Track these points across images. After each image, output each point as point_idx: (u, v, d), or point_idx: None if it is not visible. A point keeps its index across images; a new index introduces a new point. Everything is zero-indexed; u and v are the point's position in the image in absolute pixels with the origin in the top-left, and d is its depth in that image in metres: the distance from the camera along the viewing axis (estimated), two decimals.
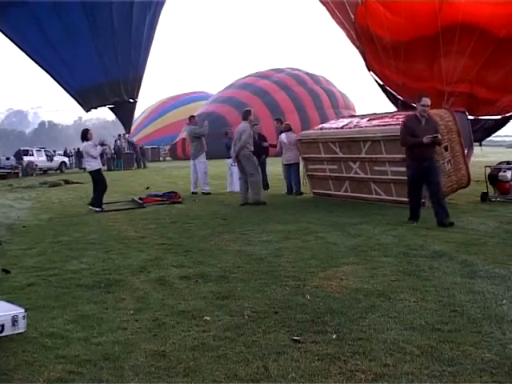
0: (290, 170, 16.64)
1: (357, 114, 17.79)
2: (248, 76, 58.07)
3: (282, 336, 4.74)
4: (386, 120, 13.27)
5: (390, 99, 20.73)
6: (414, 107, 17.75)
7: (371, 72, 20.61)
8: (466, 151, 13.62)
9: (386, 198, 12.88)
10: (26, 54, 42.07)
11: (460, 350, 4.29)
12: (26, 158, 41.54)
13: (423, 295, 5.69)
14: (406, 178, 12.08)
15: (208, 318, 5.25)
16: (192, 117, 19.19)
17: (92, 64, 42.71)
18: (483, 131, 19.01)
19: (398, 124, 12.27)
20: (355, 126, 13.77)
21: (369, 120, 13.89)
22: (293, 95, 50.48)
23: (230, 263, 7.53)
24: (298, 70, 58.35)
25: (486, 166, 13.68)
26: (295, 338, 4.66)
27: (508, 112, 18.47)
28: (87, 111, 46.84)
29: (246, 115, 15.16)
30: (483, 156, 25.35)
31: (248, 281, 6.59)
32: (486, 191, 13.19)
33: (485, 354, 4.18)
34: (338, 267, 7.05)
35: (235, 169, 18.17)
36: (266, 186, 18.21)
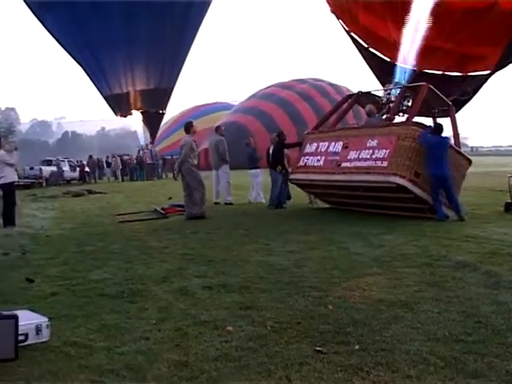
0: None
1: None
2: (271, 86, 58.28)
3: (304, 347, 4.72)
4: (363, 155, 12.66)
5: (357, 47, 20.87)
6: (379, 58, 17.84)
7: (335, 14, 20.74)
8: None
9: (403, 213, 12.67)
10: (70, 54, 43.08)
11: (484, 361, 4.25)
12: (50, 168, 41.85)
13: (447, 306, 5.65)
14: (417, 205, 12.03)
15: (230, 329, 5.24)
16: (218, 127, 19.26)
17: (125, 72, 43.40)
18: (471, 89, 18.87)
19: (379, 170, 12.09)
20: (337, 164, 13.26)
21: (344, 147, 13.32)
22: (315, 106, 50.46)
23: (253, 273, 7.53)
24: (321, 80, 58.40)
25: (509, 176, 13.58)
26: (318, 348, 4.64)
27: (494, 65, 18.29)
28: (121, 116, 47.47)
29: (187, 128, 14.95)
30: (507, 165, 25.18)
31: (270, 291, 6.57)
32: (509, 201, 13.07)
33: (509, 366, 4.13)
34: (360, 278, 7.03)
35: (256, 180, 18.23)
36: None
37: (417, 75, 17.27)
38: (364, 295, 6.18)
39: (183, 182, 14.51)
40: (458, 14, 16.13)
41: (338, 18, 20.83)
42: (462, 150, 13.62)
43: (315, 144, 14.49)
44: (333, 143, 13.80)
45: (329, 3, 20.75)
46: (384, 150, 12.12)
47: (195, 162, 14.58)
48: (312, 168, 14.17)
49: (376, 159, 12.22)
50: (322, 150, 14.06)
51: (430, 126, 12.67)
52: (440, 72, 18.85)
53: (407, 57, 17.09)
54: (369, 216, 12.75)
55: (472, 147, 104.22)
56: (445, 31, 16.81)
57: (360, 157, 12.67)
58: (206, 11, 45.57)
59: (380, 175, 11.98)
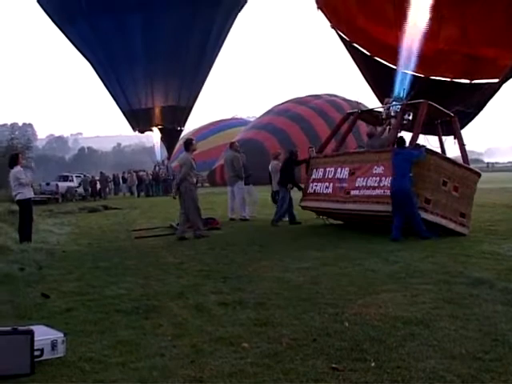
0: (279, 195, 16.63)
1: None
2: (286, 102, 58.30)
3: (320, 363, 4.70)
4: (371, 182, 12.71)
5: (355, 60, 20.66)
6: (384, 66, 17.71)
7: (334, 28, 20.56)
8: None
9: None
10: (93, 67, 43.58)
11: (501, 379, 4.21)
12: (66, 184, 42.12)
13: (463, 323, 5.61)
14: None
15: (246, 345, 5.23)
16: (233, 143, 19.31)
17: (145, 88, 43.71)
18: (479, 100, 18.52)
19: (389, 200, 11.97)
20: (345, 192, 13.33)
21: (351, 173, 13.36)
22: (330, 121, 50.31)
23: (268, 290, 7.52)
24: (336, 96, 58.38)
25: None
26: (334, 365, 4.62)
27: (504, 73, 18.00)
28: (139, 132, 47.81)
29: (187, 146, 14.89)
30: None
31: (286, 308, 6.56)
32: None
33: None
34: (376, 294, 7.00)
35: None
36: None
37: (424, 82, 17.12)
38: (380, 312, 6.15)
39: (180, 200, 14.33)
40: (466, 10, 16.01)
41: (337, 31, 20.72)
42: (478, 165, 13.48)
43: (322, 170, 14.57)
44: (339, 169, 13.86)
45: (327, 17, 20.57)
46: (391, 178, 12.11)
47: (195, 180, 14.64)
48: (322, 195, 14.29)
49: (384, 187, 12.23)
50: (330, 176, 14.14)
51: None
52: (448, 79, 18.69)
53: (414, 62, 17.00)
54: (383, 232, 12.66)
55: (488, 163, 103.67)
56: (453, 33, 16.68)
57: (368, 185, 12.74)
58: (228, 32, 45.89)
59: (390, 205, 11.94)
